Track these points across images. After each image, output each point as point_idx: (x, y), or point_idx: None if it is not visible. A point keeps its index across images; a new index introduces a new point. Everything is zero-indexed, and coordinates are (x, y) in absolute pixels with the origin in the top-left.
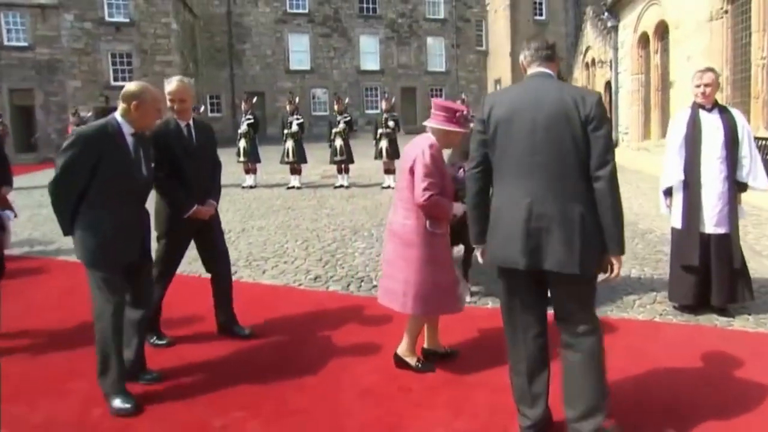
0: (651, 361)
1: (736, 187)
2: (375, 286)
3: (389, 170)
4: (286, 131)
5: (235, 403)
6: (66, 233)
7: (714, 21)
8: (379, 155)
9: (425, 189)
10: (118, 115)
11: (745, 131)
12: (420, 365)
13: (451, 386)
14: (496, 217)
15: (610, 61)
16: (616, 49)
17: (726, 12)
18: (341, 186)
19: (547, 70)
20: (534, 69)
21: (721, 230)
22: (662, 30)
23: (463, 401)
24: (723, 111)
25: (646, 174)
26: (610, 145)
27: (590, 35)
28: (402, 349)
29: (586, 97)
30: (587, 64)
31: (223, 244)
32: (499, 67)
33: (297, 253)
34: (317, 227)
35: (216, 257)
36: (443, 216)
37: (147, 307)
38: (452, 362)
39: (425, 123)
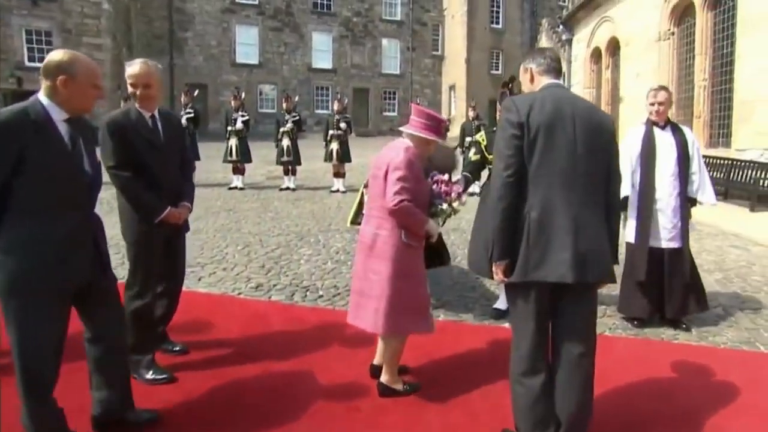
0: (606, 377)
1: (687, 202)
2: (321, 296)
3: (339, 173)
4: (229, 128)
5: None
6: None
7: (662, 41)
8: (329, 158)
9: (396, 193)
10: (42, 96)
11: (695, 148)
12: (408, 387)
13: (402, 405)
14: (535, 230)
15: (564, 74)
16: (569, 62)
17: (672, 34)
18: (287, 188)
19: (561, 82)
20: (548, 80)
21: (674, 245)
22: (614, 46)
23: (414, 422)
24: (675, 129)
25: None
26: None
27: (545, 47)
28: (386, 377)
29: (608, 116)
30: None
31: (184, 259)
32: (455, 73)
33: (237, 259)
34: (260, 231)
35: (174, 272)
36: (414, 227)
37: (115, 337)
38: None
39: (402, 128)
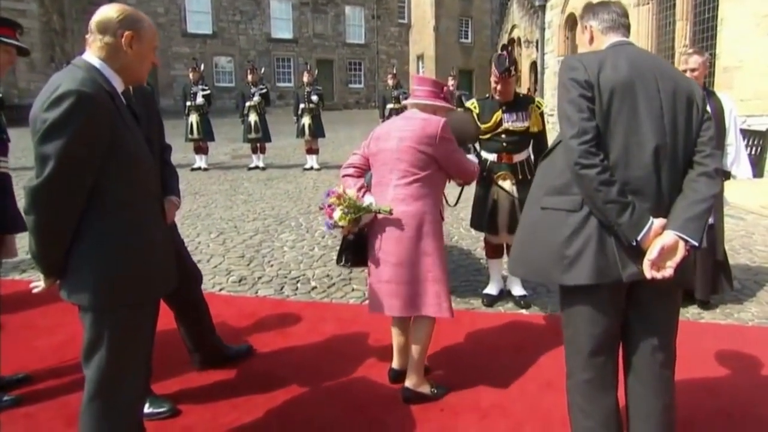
0: None
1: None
2: (314, 288)
3: (312, 150)
4: (189, 103)
5: None
6: (54, 274)
7: (641, 6)
8: (301, 133)
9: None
10: (93, 58)
11: (732, 117)
12: (436, 390)
13: (432, 413)
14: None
15: (537, 41)
16: (542, 29)
17: None
18: (256, 167)
19: (630, 41)
20: (616, 38)
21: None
22: None
23: (451, 429)
24: (710, 96)
25: None
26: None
27: (516, 14)
28: (413, 381)
29: (695, 82)
30: (513, 41)
31: (190, 257)
32: (423, 42)
33: (212, 249)
34: (234, 216)
35: (187, 276)
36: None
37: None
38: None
39: (408, 101)
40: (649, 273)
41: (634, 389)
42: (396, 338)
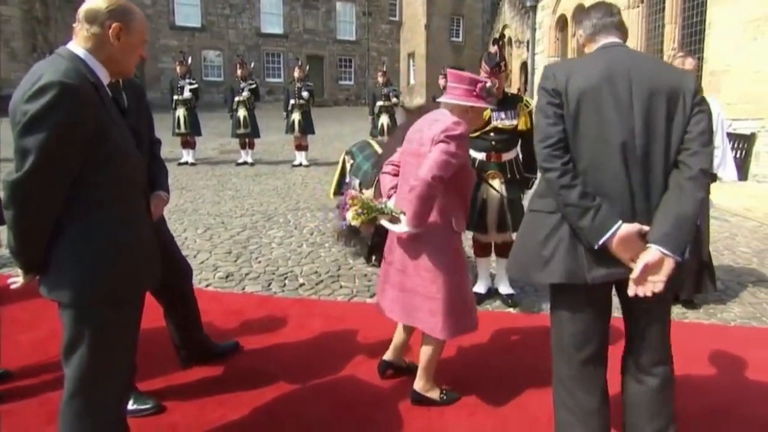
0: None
1: None
2: (302, 285)
3: (301, 146)
4: (176, 97)
5: None
6: (34, 270)
7: (630, 9)
8: (290, 129)
9: (436, 166)
10: (78, 48)
11: (720, 120)
12: (446, 396)
13: (419, 410)
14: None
15: (527, 42)
16: (533, 30)
17: (642, 1)
18: (245, 163)
19: (620, 41)
20: (605, 39)
21: None
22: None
23: (439, 427)
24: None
25: None
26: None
27: (507, 13)
28: (420, 384)
29: (687, 74)
30: (503, 43)
31: (179, 252)
32: (414, 40)
33: (199, 245)
34: (221, 212)
35: (177, 271)
36: (418, 215)
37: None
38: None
39: (441, 99)
40: (632, 290)
41: (628, 386)
42: (396, 335)
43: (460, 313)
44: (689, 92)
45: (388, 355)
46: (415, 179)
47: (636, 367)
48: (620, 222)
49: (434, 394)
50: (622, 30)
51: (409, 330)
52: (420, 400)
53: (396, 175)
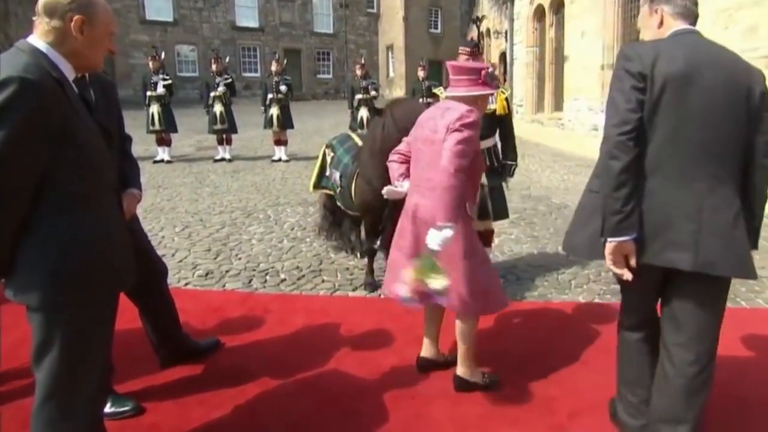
0: (610, 348)
1: None
2: (284, 280)
3: (280, 141)
4: (149, 93)
5: None
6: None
7: None
8: (269, 124)
9: (456, 156)
10: (39, 42)
11: None
12: (488, 380)
13: (404, 400)
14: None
15: (506, 32)
16: (511, 20)
17: None
18: (222, 159)
19: (696, 29)
20: (682, 25)
21: None
22: (558, 4)
23: (426, 416)
24: None
25: (546, 147)
26: None
27: (485, 4)
28: (464, 369)
29: (756, 72)
30: (482, 34)
31: (154, 251)
32: (392, 32)
33: (177, 243)
34: (199, 210)
35: (152, 270)
36: (450, 208)
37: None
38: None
39: (447, 93)
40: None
41: (661, 366)
42: (425, 328)
43: (485, 293)
44: (759, 94)
45: (423, 351)
46: (438, 173)
47: (669, 350)
48: (634, 235)
49: (478, 378)
50: (696, 22)
51: (436, 320)
52: (465, 385)
53: (403, 162)
